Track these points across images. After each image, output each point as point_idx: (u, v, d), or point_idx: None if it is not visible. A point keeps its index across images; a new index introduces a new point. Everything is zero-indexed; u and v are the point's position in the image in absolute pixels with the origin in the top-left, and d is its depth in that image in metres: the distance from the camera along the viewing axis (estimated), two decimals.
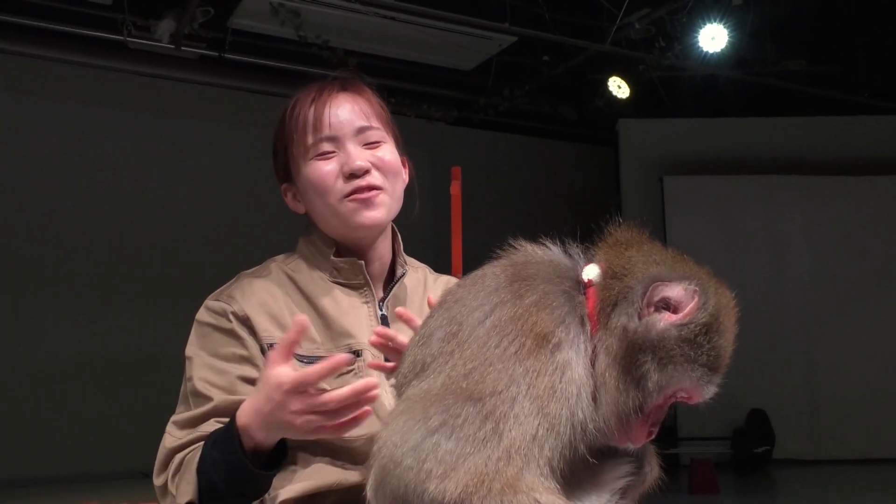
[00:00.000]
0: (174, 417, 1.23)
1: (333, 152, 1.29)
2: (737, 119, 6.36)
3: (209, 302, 1.29)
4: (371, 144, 1.32)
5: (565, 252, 1.08)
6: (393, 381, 1.29)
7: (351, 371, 1.27)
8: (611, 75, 5.99)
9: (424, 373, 0.99)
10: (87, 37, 5.46)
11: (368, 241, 1.34)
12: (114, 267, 5.61)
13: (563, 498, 0.91)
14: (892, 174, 6.14)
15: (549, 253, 1.07)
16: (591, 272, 1.02)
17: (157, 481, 1.20)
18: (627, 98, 6.02)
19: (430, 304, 1.17)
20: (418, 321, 1.18)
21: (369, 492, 0.95)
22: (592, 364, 0.97)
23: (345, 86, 1.33)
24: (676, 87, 6.23)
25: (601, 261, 1.03)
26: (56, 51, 5.47)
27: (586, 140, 7.06)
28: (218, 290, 1.31)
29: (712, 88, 6.09)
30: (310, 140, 1.29)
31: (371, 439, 1.21)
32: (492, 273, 1.05)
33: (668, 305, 0.97)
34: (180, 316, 5.83)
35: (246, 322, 1.24)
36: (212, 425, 1.18)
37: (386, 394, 1.28)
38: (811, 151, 6.32)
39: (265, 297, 1.28)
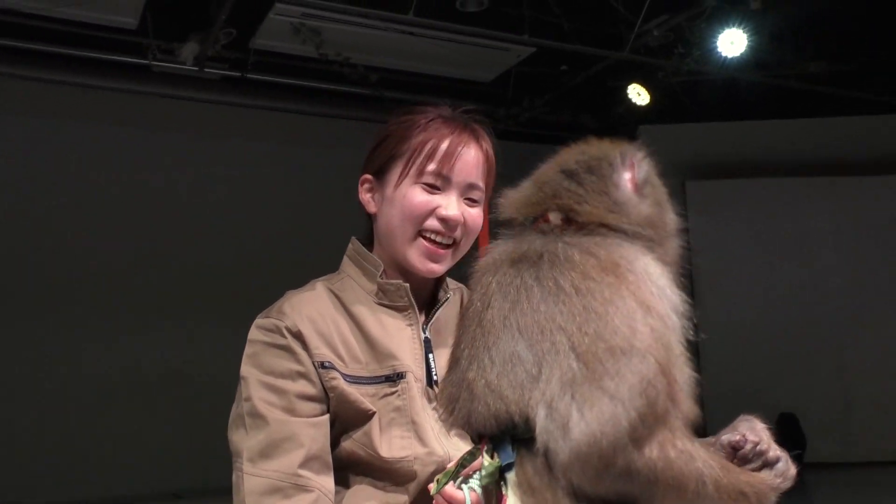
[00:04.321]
0: (246, 453, 1.21)
1: (440, 190, 1.31)
2: (758, 122, 6.34)
3: (260, 320, 1.30)
4: (470, 202, 1.35)
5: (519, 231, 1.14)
6: (436, 405, 1.31)
7: (395, 393, 1.28)
8: (630, 83, 6.00)
9: (539, 379, 0.97)
10: (113, 62, 5.56)
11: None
12: (142, 285, 5.67)
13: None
14: None
15: (516, 236, 1.12)
16: (557, 216, 1.09)
17: None
18: (648, 105, 6.02)
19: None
20: None
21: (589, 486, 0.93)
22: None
23: (478, 136, 1.36)
24: (697, 93, 6.22)
25: (540, 212, 1.11)
26: (83, 76, 5.57)
27: None
28: (267, 309, 1.32)
29: (733, 92, 6.08)
30: (430, 167, 1.30)
31: (410, 460, 1.24)
32: (508, 279, 1.06)
33: (632, 184, 1.11)
34: (209, 333, 5.91)
35: (299, 337, 1.26)
36: (288, 458, 1.19)
37: (427, 416, 1.30)
38: (835, 152, 6.28)
39: (314, 313, 1.29)
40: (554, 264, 1.02)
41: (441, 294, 1.40)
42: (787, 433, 5.84)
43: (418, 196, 1.30)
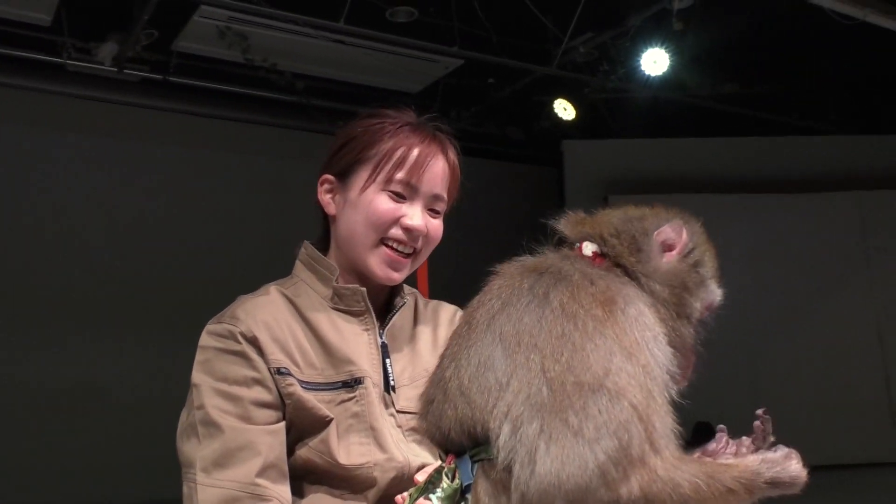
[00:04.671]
0: (199, 462, 1.16)
1: (405, 199, 1.30)
2: (678, 139, 6.56)
3: (212, 326, 1.25)
4: (433, 212, 1.34)
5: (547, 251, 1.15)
6: (393, 410, 1.29)
7: (352, 398, 1.26)
8: (556, 97, 6.11)
9: (507, 391, 0.97)
10: (25, 59, 5.30)
11: None
12: (55, 294, 5.41)
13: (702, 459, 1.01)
14: (822, 191, 6.40)
15: (543, 254, 1.13)
16: (589, 248, 1.09)
17: None
18: (573, 120, 6.15)
19: None
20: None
21: None
22: (657, 313, 1.05)
23: (446, 147, 1.35)
24: (620, 110, 6.40)
25: (582, 238, 1.12)
26: None
27: (532, 161, 7.17)
28: (219, 314, 1.27)
29: (655, 110, 6.28)
30: (398, 176, 1.29)
31: (369, 466, 1.21)
32: (509, 281, 1.07)
33: (665, 247, 1.09)
34: (126, 347, 5.67)
35: (254, 343, 1.22)
36: (245, 467, 1.15)
37: (386, 422, 1.28)
38: (747, 170, 6.55)
39: (268, 319, 1.25)
40: (553, 278, 1.03)
41: (397, 300, 1.39)
42: (703, 441, 6.02)
43: (384, 204, 1.29)
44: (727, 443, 1.09)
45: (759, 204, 6.39)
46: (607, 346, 0.95)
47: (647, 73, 5.40)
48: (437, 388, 1.07)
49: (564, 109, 6.07)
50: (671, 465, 0.94)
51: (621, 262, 1.08)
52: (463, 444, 1.03)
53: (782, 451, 1.05)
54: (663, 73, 5.39)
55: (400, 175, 1.29)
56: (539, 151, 6.99)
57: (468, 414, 1.01)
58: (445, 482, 1.03)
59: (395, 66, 5.67)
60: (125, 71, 5.49)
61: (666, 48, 5.27)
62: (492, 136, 6.83)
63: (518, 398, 0.95)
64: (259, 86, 5.72)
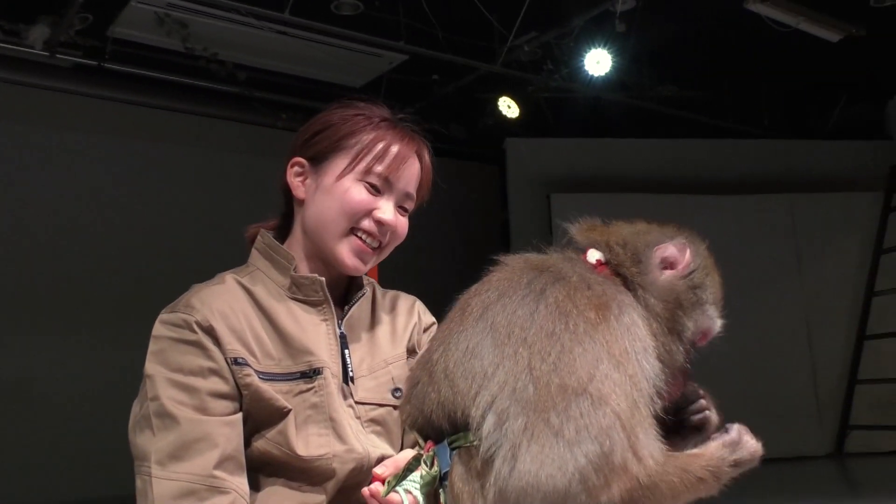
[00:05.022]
0: (154, 455, 1.13)
1: (380, 193, 1.30)
2: (619, 140, 6.66)
3: (165, 315, 1.22)
4: (402, 210, 1.35)
5: (553, 251, 1.15)
6: (352, 401, 1.28)
7: (311, 389, 1.24)
8: (501, 95, 6.14)
9: (492, 381, 0.97)
10: None
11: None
12: None
13: (670, 452, 0.99)
14: (756, 193, 6.59)
15: (548, 253, 1.14)
16: (594, 255, 1.09)
17: None
18: (517, 118, 6.18)
19: None
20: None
21: None
22: (649, 326, 1.05)
23: (422, 149, 1.36)
24: (564, 109, 6.46)
25: (590, 245, 1.12)
26: None
27: (476, 158, 7.19)
28: (173, 303, 1.24)
29: (597, 110, 6.36)
30: (378, 168, 1.29)
31: (328, 458, 1.20)
32: (510, 274, 1.07)
33: (667, 264, 1.09)
34: (69, 342, 5.49)
35: (210, 332, 1.19)
36: (202, 459, 1.12)
37: (345, 413, 1.26)
38: (684, 172, 6.69)
39: (225, 308, 1.23)
40: (552, 277, 1.04)
41: (356, 290, 1.38)
42: None
43: (360, 194, 1.29)
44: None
45: (696, 204, 6.54)
46: (595, 352, 0.95)
47: (590, 73, 5.46)
48: (423, 371, 1.07)
49: (509, 107, 6.10)
50: (654, 472, 0.94)
51: (621, 271, 1.09)
52: (443, 428, 1.02)
53: (734, 429, 1.07)
54: (606, 73, 5.46)
55: (379, 168, 1.29)
56: (482, 149, 7.02)
57: (450, 398, 1.01)
58: (424, 469, 1.03)
59: (339, 59, 5.61)
60: (57, 56, 5.29)
61: (609, 49, 5.34)
62: (435, 133, 6.81)
63: (504, 391, 0.95)
64: (199, 76, 5.58)
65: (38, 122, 5.52)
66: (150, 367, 1.18)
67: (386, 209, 1.30)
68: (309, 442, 1.21)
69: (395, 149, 1.30)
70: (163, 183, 5.84)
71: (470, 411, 0.98)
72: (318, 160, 1.32)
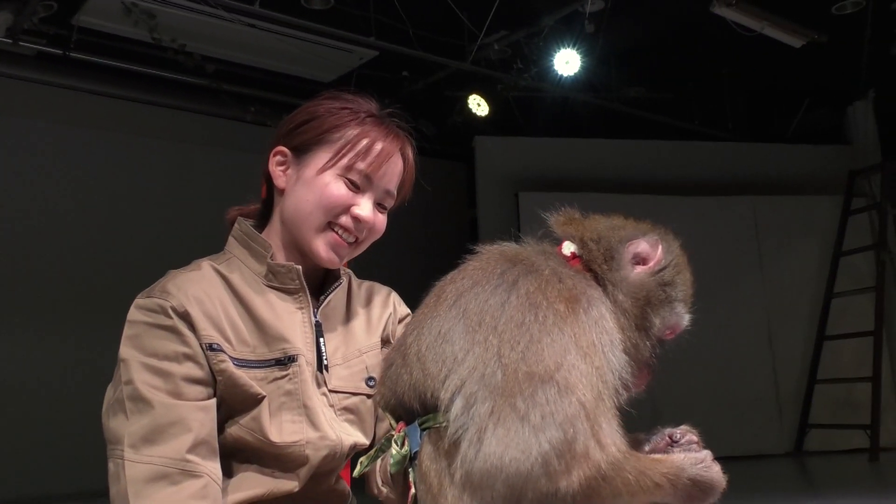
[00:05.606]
0: (128, 438, 1.13)
1: (359, 189, 1.30)
2: (587, 140, 6.72)
3: (141, 300, 1.22)
4: (381, 207, 1.35)
5: (529, 243, 1.18)
6: (325, 389, 1.29)
7: (285, 376, 1.25)
8: (470, 93, 6.16)
9: (462, 365, 0.99)
10: None
11: None
12: None
13: (632, 452, 1.01)
14: (719, 195, 6.69)
15: (523, 244, 1.15)
16: (568, 248, 1.11)
17: None
18: (486, 116, 6.21)
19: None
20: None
21: None
22: (617, 320, 1.07)
23: (406, 147, 1.37)
24: (533, 108, 6.50)
25: (565, 237, 1.14)
26: None
27: (444, 156, 7.21)
28: (148, 288, 1.24)
29: (566, 110, 6.41)
30: (359, 165, 1.29)
31: (301, 444, 1.21)
32: (484, 264, 1.10)
33: (638, 259, 1.11)
34: (40, 337, 5.37)
35: (186, 318, 1.19)
36: (176, 443, 1.13)
37: (319, 401, 1.27)
38: (649, 172, 6.77)
39: (200, 294, 1.23)
40: (525, 269, 1.06)
41: (332, 280, 1.39)
42: None
43: (339, 190, 1.29)
44: (668, 441, 1.11)
45: (660, 205, 6.62)
46: (563, 343, 0.97)
47: (559, 72, 5.50)
48: (397, 353, 1.10)
49: (478, 105, 6.13)
50: (615, 462, 0.96)
51: (593, 266, 1.11)
52: (415, 409, 1.05)
53: (704, 452, 1.09)
54: (575, 73, 5.51)
55: (361, 165, 1.30)
56: (451, 146, 7.04)
57: (421, 380, 1.04)
58: (395, 449, 1.06)
59: (309, 54, 5.59)
60: (20, 44, 5.20)
61: (578, 49, 5.39)
62: (404, 130, 6.82)
63: (473, 375, 0.97)
64: (166, 67, 5.53)
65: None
66: (125, 351, 1.18)
67: (364, 206, 1.31)
68: (283, 428, 1.22)
69: (378, 146, 1.31)
70: (129, 175, 5.77)
71: (439, 394, 1.00)
72: (301, 151, 1.33)
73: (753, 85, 6.73)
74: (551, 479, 0.91)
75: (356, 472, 1.04)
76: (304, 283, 1.32)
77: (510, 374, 0.95)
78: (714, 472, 1.05)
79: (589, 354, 0.98)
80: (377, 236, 1.38)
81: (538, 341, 0.97)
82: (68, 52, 5.28)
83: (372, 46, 5.49)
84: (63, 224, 5.49)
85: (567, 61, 5.42)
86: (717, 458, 1.09)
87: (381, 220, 1.36)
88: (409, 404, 1.06)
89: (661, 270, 1.12)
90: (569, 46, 5.38)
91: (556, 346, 0.97)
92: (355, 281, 1.48)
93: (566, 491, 0.92)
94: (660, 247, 1.13)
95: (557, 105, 6.32)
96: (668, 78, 6.44)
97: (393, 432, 1.08)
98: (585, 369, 0.97)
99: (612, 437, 0.97)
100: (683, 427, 1.11)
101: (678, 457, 1.05)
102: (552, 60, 5.45)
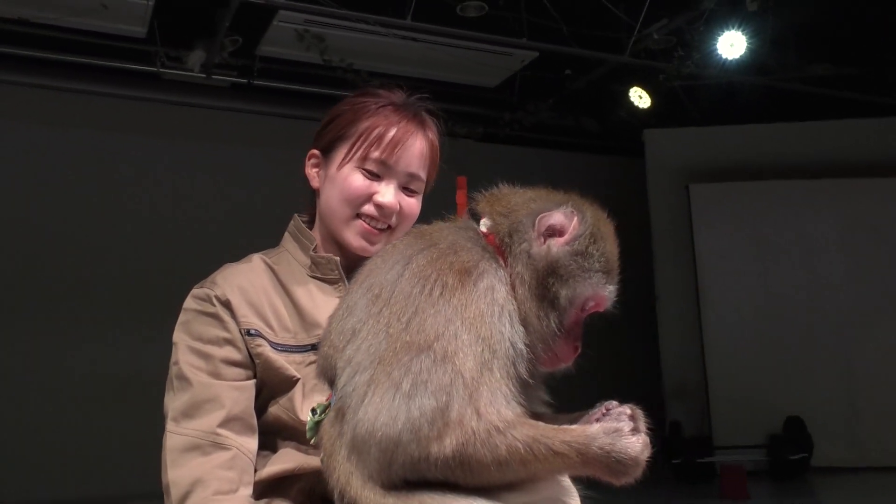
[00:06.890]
0: (171, 413, 1.28)
1: (380, 177, 1.36)
2: (760, 125, 6.34)
3: (195, 290, 1.37)
4: (409, 191, 1.40)
5: (454, 220, 1.21)
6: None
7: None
8: (632, 86, 6.03)
9: (357, 337, 1.05)
10: (122, 69, 5.68)
11: None
12: (141, 290, 5.61)
13: (529, 419, 1.00)
14: None
15: (447, 221, 1.20)
16: (485, 224, 1.13)
17: (169, 477, 1.24)
18: (649, 108, 6.05)
19: None
20: None
21: (369, 477, 0.98)
22: (513, 292, 1.08)
23: (425, 126, 1.40)
24: (698, 96, 6.24)
25: (485, 213, 1.15)
26: (94, 84, 5.70)
27: (610, 151, 7.09)
28: (203, 280, 1.39)
29: (734, 95, 6.09)
30: (374, 154, 1.35)
31: None
32: (398, 242, 1.16)
33: (553, 231, 1.10)
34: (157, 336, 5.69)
35: (227, 305, 1.32)
36: (209, 418, 1.25)
37: None
38: (837, 155, 6.26)
39: (245, 283, 1.35)
40: (426, 244, 1.10)
41: None
42: (794, 437, 5.81)
43: (357, 181, 1.35)
44: (603, 412, 1.05)
45: (851, 189, 6.10)
46: (447, 314, 0.99)
47: (723, 56, 5.25)
48: (326, 329, 1.17)
49: (640, 98, 5.98)
50: (493, 429, 0.95)
51: (497, 240, 1.11)
52: (334, 379, 1.11)
53: (623, 418, 1.02)
54: (741, 56, 5.23)
55: (375, 154, 1.35)
56: (617, 141, 6.91)
57: (329, 352, 1.11)
58: (310, 416, 1.14)
59: (470, 61, 5.74)
60: (213, 77, 5.79)
61: (743, 30, 5.11)
62: (570, 128, 6.80)
63: (362, 346, 1.03)
64: (338, 86, 5.90)
65: (199, 139, 6.03)
66: (177, 335, 1.33)
67: (386, 193, 1.35)
68: None
69: (392, 132, 1.34)
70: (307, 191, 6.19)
71: (338, 363, 1.07)
72: (327, 151, 1.40)
73: None
74: (421, 444, 0.94)
75: (309, 437, 1.13)
76: (343, 274, 1.40)
77: (392, 342, 0.99)
78: (628, 441, 0.98)
79: (474, 324, 0.99)
80: (411, 220, 1.40)
81: (422, 312, 1.00)
82: (252, 81, 5.80)
83: (531, 48, 5.54)
84: (254, 238, 5.98)
85: (732, 44, 5.16)
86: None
87: (410, 203, 1.39)
88: (329, 375, 1.12)
89: (574, 241, 1.09)
90: (732, 28, 5.12)
91: (440, 316, 0.99)
92: None
93: (437, 456, 0.94)
94: (575, 218, 1.10)
95: (722, 91, 6.02)
96: (856, 50, 5.92)
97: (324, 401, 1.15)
98: (468, 339, 0.98)
99: (496, 405, 0.96)
100: (629, 405, 1.05)
101: (592, 427, 1.00)
102: (715, 45, 5.22)
